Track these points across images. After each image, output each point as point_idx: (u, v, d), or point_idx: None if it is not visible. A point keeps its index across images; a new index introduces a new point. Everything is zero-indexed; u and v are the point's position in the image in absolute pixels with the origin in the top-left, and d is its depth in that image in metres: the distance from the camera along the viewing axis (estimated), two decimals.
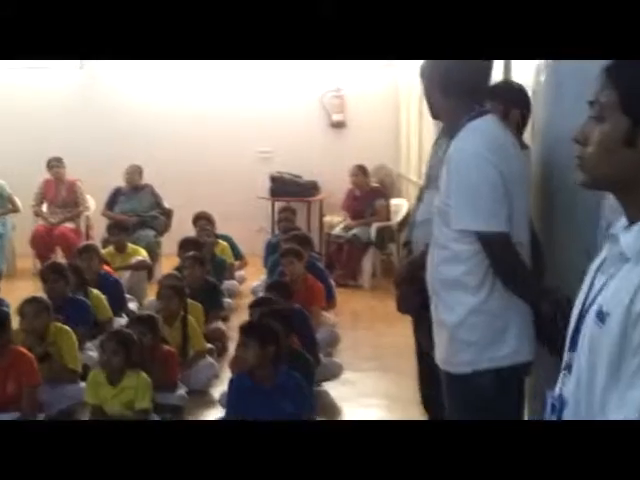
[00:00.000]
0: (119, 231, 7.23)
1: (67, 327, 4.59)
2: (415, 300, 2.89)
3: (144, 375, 4.02)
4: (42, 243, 8.27)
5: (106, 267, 6.42)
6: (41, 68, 9.19)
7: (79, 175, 8.57)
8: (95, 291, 5.60)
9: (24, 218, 8.55)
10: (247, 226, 8.70)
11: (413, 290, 2.91)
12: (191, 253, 6.13)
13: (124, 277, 6.94)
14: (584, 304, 1.42)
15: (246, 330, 3.79)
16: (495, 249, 2.38)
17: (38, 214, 8.54)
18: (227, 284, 7.08)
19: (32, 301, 4.48)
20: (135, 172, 8.34)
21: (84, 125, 9.09)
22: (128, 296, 6.57)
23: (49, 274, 5.14)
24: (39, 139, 8.87)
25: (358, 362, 5.62)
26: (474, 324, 2.45)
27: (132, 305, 6.36)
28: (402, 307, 3.12)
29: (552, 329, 2.23)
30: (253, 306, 4.53)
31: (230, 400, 3.83)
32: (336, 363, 5.23)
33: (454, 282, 2.46)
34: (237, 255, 7.75)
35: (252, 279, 7.39)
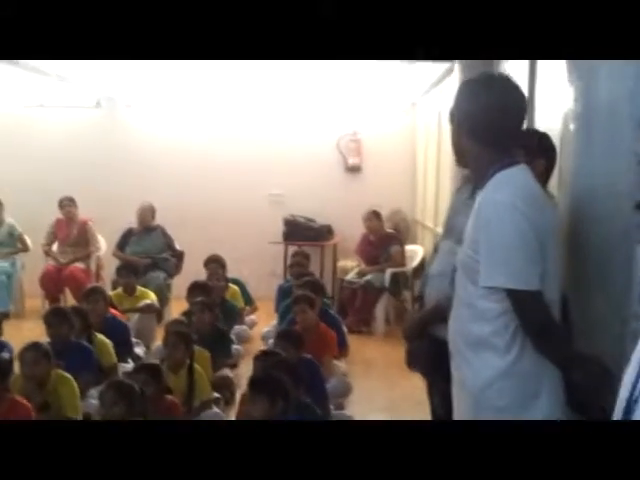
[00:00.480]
0: (128, 273, 7.10)
1: (68, 375, 4.42)
2: (425, 358, 2.71)
3: None
4: (51, 283, 8.15)
5: (113, 310, 6.28)
6: (56, 107, 9.19)
7: (91, 215, 8.48)
8: (100, 336, 5.44)
9: (34, 257, 8.46)
10: (259, 270, 8.57)
11: (423, 347, 2.73)
12: (199, 298, 5.97)
13: (132, 320, 6.80)
14: (632, 392, 1.25)
15: (254, 384, 3.60)
16: (527, 309, 2.19)
17: (48, 254, 8.43)
18: (237, 329, 6.91)
19: (31, 347, 4.32)
20: (147, 213, 8.24)
21: (97, 165, 9.05)
22: (136, 340, 6.42)
23: (52, 318, 4.99)
24: (52, 178, 8.81)
25: (371, 414, 5.39)
26: (502, 388, 2.25)
27: (139, 350, 6.19)
28: (411, 364, 2.94)
29: (585, 398, 2.04)
30: (258, 359, 4.35)
31: None
32: (345, 416, 5.02)
33: (480, 342, 2.28)
34: (248, 299, 7.59)
35: (263, 324, 7.22)
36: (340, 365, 5.96)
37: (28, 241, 8.53)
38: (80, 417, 4.25)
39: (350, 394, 5.64)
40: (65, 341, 5.00)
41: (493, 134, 2.34)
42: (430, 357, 2.73)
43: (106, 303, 5.97)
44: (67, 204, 8.40)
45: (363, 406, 5.55)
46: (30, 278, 8.29)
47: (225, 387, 5.47)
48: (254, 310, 7.68)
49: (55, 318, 5.00)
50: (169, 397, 4.38)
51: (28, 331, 6.47)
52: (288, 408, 3.59)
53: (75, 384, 4.42)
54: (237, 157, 9.08)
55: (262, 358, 4.32)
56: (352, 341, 6.94)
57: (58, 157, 9.01)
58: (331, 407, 4.97)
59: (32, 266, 8.35)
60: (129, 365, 5.70)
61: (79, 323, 5.32)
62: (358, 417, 5.14)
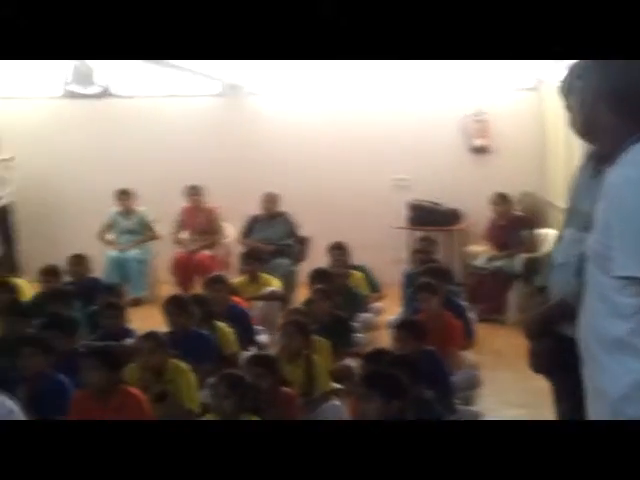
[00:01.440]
0: (253, 260, 7.08)
1: (185, 365, 4.39)
2: (550, 358, 2.42)
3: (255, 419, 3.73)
4: (181, 270, 8.27)
5: (235, 298, 6.26)
6: (182, 96, 9.31)
7: (218, 202, 8.54)
8: (221, 324, 5.41)
9: (167, 245, 8.63)
10: (385, 256, 8.34)
11: (548, 346, 2.45)
12: (320, 286, 5.84)
13: (256, 308, 6.77)
14: None
15: (369, 381, 3.40)
16: None
17: (177, 241, 8.57)
18: (362, 317, 6.74)
19: (148, 337, 4.32)
20: (272, 200, 8.21)
21: (223, 153, 9.09)
22: (260, 328, 6.38)
23: (171, 307, 5.00)
24: (180, 166, 8.94)
25: (501, 409, 5.10)
26: None
27: (263, 337, 6.14)
28: (535, 365, 2.64)
29: None
30: (369, 358, 4.15)
31: None
32: (472, 412, 4.75)
33: (616, 343, 1.92)
34: (373, 286, 7.39)
35: (390, 312, 7.01)
36: (468, 357, 5.67)
37: (158, 229, 8.72)
38: (198, 408, 4.19)
39: (479, 387, 5.35)
40: (185, 330, 5.00)
41: (636, 103, 2.02)
42: (556, 358, 2.44)
43: (228, 291, 5.95)
44: (193, 192, 8.51)
45: (494, 401, 5.26)
46: (163, 266, 8.47)
47: (346, 378, 5.29)
48: (380, 297, 7.47)
49: (174, 307, 5.01)
50: (285, 389, 4.26)
51: (160, 318, 6.58)
52: (405, 406, 3.38)
53: (193, 374, 4.38)
54: (360, 142, 8.87)
55: (374, 357, 4.11)
56: (482, 330, 6.63)
57: (184, 146, 9.11)
58: (457, 402, 4.71)
59: (165, 253, 8.53)
60: (252, 353, 5.67)
61: (200, 311, 5.32)
62: (488, 413, 4.87)
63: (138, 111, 9.31)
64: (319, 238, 7.87)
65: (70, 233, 9.13)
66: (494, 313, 7.37)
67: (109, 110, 9.34)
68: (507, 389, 5.54)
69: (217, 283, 5.86)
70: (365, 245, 8.35)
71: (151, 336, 4.37)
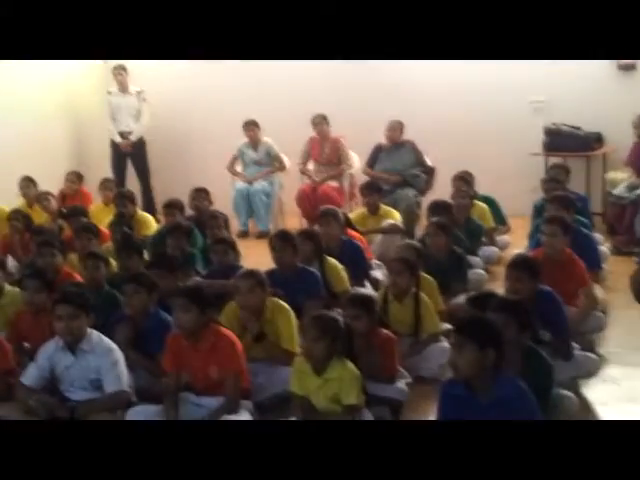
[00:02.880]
0: (372, 191, 6.86)
1: (285, 304, 4.27)
2: None
3: (350, 366, 3.56)
4: (307, 202, 8.18)
5: (353, 232, 6.08)
6: None
7: (343, 132, 8.32)
8: (332, 260, 5.26)
9: (292, 177, 8.55)
10: (519, 185, 7.88)
11: None
12: (435, 219, 5.54)
13: (375, 241, 6.58)
14: None
15: (461, 329, 3.14)
16: None
17: (304, 172, 8.47)
18: (485, 250, 6.42)
19: (246, 275, 4.22)
20: (396, 128, 7.91)
21: (348, 80, 8.80)
22: (377, 262, 6.20)
23: (277, 242, 4.89)
24: (305, 97, 8.75)
25: (628, 354, 4.70)
26: None
27: (380, 273, 5.94)
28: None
29: None
30: (471, 303, 3.86)
31: (441, 410, 3.24)
32: (591, 359, 4.38)
33: None
34: (500, 218, 7.00)
35: (518, 245, 6.61)
36: (595, 294, 5.22)
37: (285, 160, 8.65)
38: (297, 349, 4.08)
39: (605, 329, 4.94)
40: (291, 266, 4.89)
41: None
42: None
43: (341, 225, 5.77)
44: (319, 121, 8.32)
45: (620, 343, 4.84)
46: (290, 197, 8.41)
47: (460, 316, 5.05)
48: (507, 230, 7.08)
49: (280, 242, 4.89)
50: (384, 332, 4.06)
51: None
52: (501, 359, 3.09)
53: (292, 314, 4.26)
54: (491, 62, 8.32)
55: (478, 301, 3.82)
56: (616, 264, 6.14)
57: (309, 76, 8.87)
58: (577, 347, 4.35)
59: (292, 185, 8.46)
60: (366, 290, 5.50)
61: (311, 247, 5.19)
62: (611, 359, 4.50)
63: None
64: (447, 167, 7.52)
65: (202, 166, 9.23)
66: (633, 245, 6.79)
67: None
68: (637, 331, 5.09)
69: (329, 216, 5.68)
70: (500, 174, 7.96)
71: (249, 274, 4.27)
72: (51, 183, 7.92)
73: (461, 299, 5.14)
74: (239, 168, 8.77)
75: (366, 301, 4.02)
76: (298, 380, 3.65)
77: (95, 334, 3.94)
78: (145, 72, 9.12)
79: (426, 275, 4.84)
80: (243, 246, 6.03)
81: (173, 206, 6.41)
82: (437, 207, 6.07)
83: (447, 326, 4.72)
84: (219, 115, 9.18)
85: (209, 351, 3.77)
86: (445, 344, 4.48)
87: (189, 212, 6.80)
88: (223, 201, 8.06)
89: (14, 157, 8.12)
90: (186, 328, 3.77)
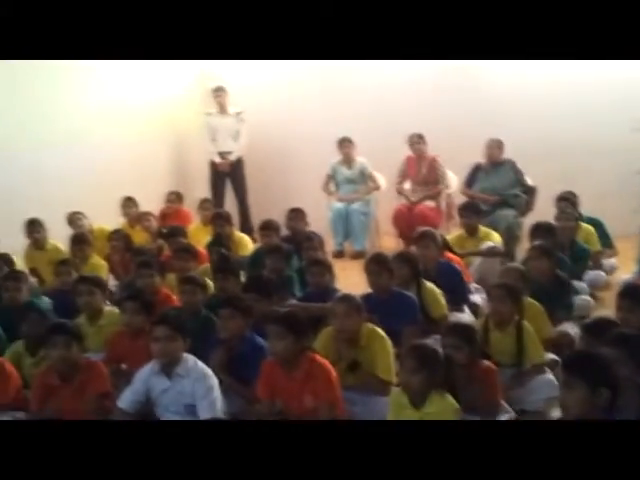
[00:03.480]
0: (470, 212, 6.68)
1: (381, 331, 4.15)
2: None
3: (450, 399, 3.40)
4: (403, 222, 8.05)
5: (450, 255, 5.91)
6: None
7: (440, 151, 8.16)
8: (429, 284, 5.10)
9: (388, 196, 8.44)
10: (623, 206, 7.52)
11: None
12: (538, 242, 5.32)
13: (474, 264, 6.39)
14: None
15: (570, 366, 2.93)
16: None
17: (400, 192, 8.35)
18: (591, 275, 6.12)
19: (343, 300, 4.12)
20: (495, 147, 7.70)
21: (444, 99, 8.63)
22: (476, 286, 6.01)
23: (371, 266, 4.77)
24: (399, 116, 8.63)
25: None
26: None
27: (479, 297, 5.74)
28: None
29: None
30: (588, 330, 3.63)
31: None
32: None
33: None
34: (606, 241, 6.68)
35: (626, 268, 6.28)
36: None
37: (380, 179, 8.56)
38: (394, 379, 3.95)
39: None
40: (386, 290, 4.77)
41: None
42: None
43: (439, 247, 5.61)
44: (416, 141, 8.20)
45: None
46: (385, 217, 8.30)
47: (565, 346, 4.79)
48: (614, 253, 6.75)
49: (375, 266, 4.77)
50: (486, 363, 3.89)
51: None
52: (616, 397, 2.87)
53: (389, 342, 4.13)
54: (596, 84, 8.02)
55: (596, 328, 3.59)
56: None
57: (405, 94, 8.76)
58: None
59: (388, 204, 8.35)
60: (464, 315, 5.34)
61: (407, 270, 5.06)
62: None
63: (355, 64, 9.05)
64: (547, 186, 7.26)
65: (298, 185, 9.24)
66: None
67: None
68: None
69: (426, 239, 5.54)
70: (602, 193, 7.62)
71: (346, 298, 4.17)
72: (152, 203, 8.08)
73: (566, 327, 4.94)
74: (332, 187, 8.73)
75: (467, 331, 3.86)
76: (395, 413, 3.52)
77: (191, 359, 3.93)
78: (243, 92, 9.22)
79: (532, 300, 4.63)
80: (338, 267, 5.95)
81: (269, 227, 6.40)
82: (540, 229, 5.83)
83: (552, 356, 4.52)
84: (315, 134, 9.16)
85: (304, 379, 3.70)
86: (550, 376, 4.26)
87: (285, 232, 6.78)
88: (319, 221, 8.05)
89: (117, 177, 8.34)
90: (281, 356, 3.71)
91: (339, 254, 8.30)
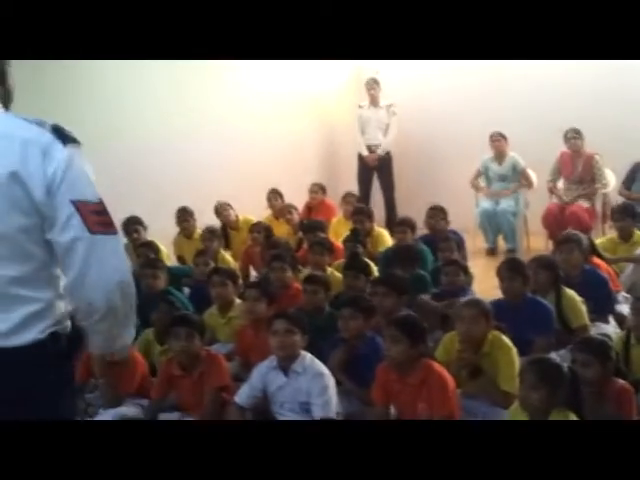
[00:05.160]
0: (625, 215, 6.22)
1: (507, 340, 3.93)
2: None
3: (572, 417, 3.16)
4: (554, 222, 7.68)
5: (598, 261, 5.54)
6: None
7: (599, 148, 7.69)
8: (569, 292, 4.78)
9: (540, 194, 8.06)
10: None
11: None
12: None
13: (625, 271, 5.95)
14: None
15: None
16: None
17: (552, 191, 7.95)
18: None
19: (471, 304, 3.94)
20: None
21: (602, 94, 8.13)
22: (626, 295, 5.59)
23: (505, 272, 4.54)
24: (554, 110, 8.22)
25: None
26: None
27: (626, 308, 5.32)
28: None
29: None
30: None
31: None
32: None
33: None
34: None
35: None
36: None
37: (532, 176, 8.19)
38: (515, 391, 3.73)
39: None
40: (520, 297, 4.52)
41: None
42: None
43: (584, 252, 5.25)
44: (572, 136, 7.77)
45: None
46: (535, 216, 7.94)
47: None
48: None
49: (508, 272, 4.53)
50: (620, 382, 3.58)
51: None
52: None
53: (514, 351, 3.90)
54: None
55: None
56: None
57: (562, 86, 8.33)
58: None
59: (538, 203, 7.99)
60: (609, 326, 4.98)
61: (545, 275, 4.78)
62: None
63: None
64: None
65: (446, 180, 9.04)
66: None
67: None
68: None
69: (570, 242, 5.20)
70: None
71: (474, 303, 3.99)
72: (302, 195, 8.14)
73: None
74: (482, 183, 8.45)
75: (600, 346, 3.56)
76: None
77: (308, 356, 3.89)
78: (396, 86, 9.11)
79: None
80: (491, 266, 5.66)
81: (405, 224, 6.25)
82: None
83: None
84: (466, 129, 8.92)
85: (418, 387, 3.56)
86: None
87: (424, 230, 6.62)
88: (467, 217, 7.83)
89: (269, 169, 8.48)
90: (395, 360, 3.59)
91: (491, 251, 8.11)
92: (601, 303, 5.02)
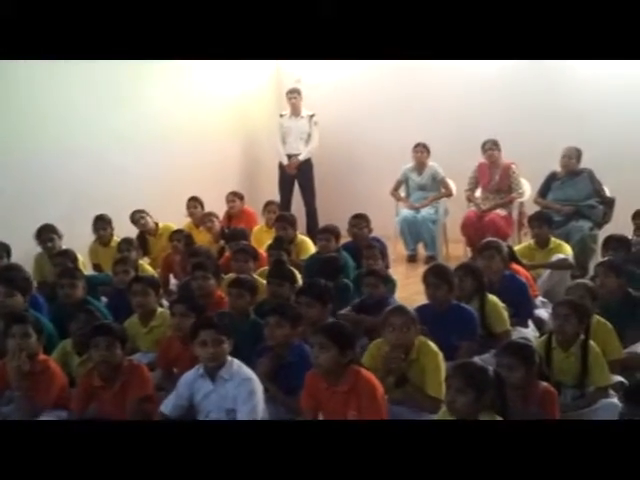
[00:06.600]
0: (541, 223, 6.38)
1: (434, 346, 3.96)
2: None
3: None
4: (472, 230, 7.80)
5: (516, 267, 5.65)
6: None
7: (515, 158, 7.88)
8: (492, 298, 4.87)
9: (459, 203, 8.20)
10: None
11: None
12: (606, 258, 5.02)
13: (542, 277, 6.10)
14: None
15: (630, 395, 2.71)
16: None
17: (470, 199, 8.10)
18: None
19: (401, 311, 3.95)
20: (573, 156, 7.36)
21: (520, 104, 8.37)
22: (543, 300, 5.74)
23: (430, 278, 4.58)
24: (473, 121, 8.40)
25: None
26: None
27: (544, 312, 5.46)
28: None
29: None
30: None
31: None
32: None
33: None
34: None
35: None
36: None
37: (452, 185, 8.33)
38: (442, 396, 3.75)
39: None
40: (445, 303, 4.57)
41: None
42: None
43: (504, 259, 5.35)
44: (490, 147, 7.93)
45: None
46: (454, 224, 8.07)
47: (635, 368, 4.51)
48: None
49: (434, 278, 4.58)
50: (544, 385, 3.64)
51: None
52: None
53: (441, 357, 3.93)
54: None
55: None
56: None
57: (479, 100, 8.52)
58: None
59: (457, 211, 8.12)
60: (528, 330, 5.09)
61: (469, 282, 4.85)
62: None
63: (430, 67, 8.79)
64: (627, 198, 6.91)
65: (367, 189, 9.10)
66: None
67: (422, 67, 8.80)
68: None
69: (490, 249, 5.29)
70: None
71: (404, 310, 4.00)
72: (223, 204, 8.04)
73: (637, 348, 4.65)
74: (403, 193, 8.55)
75: (523, 350, 3.61)
76: None
77: (236, 362, 3.82)
78: (317, 94, 9.13)
79: (601, 319, 4.36)
80: (412, 272, 5.71)
81: (328, 231, 6.24)
82: (612, 243, 5.52)
83: (619, 379, 4.24)
84: (386, 139, 9.03)
85: (347, 394, 3.53)
86: (614, 400, 3.98)
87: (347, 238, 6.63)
88: (387, 224, 7.90)
89: (188, 177, 8.35)
90: (324, 368, 3.56)
91: (412, 258, 8.24)
92: (521, 308, 5.13)
